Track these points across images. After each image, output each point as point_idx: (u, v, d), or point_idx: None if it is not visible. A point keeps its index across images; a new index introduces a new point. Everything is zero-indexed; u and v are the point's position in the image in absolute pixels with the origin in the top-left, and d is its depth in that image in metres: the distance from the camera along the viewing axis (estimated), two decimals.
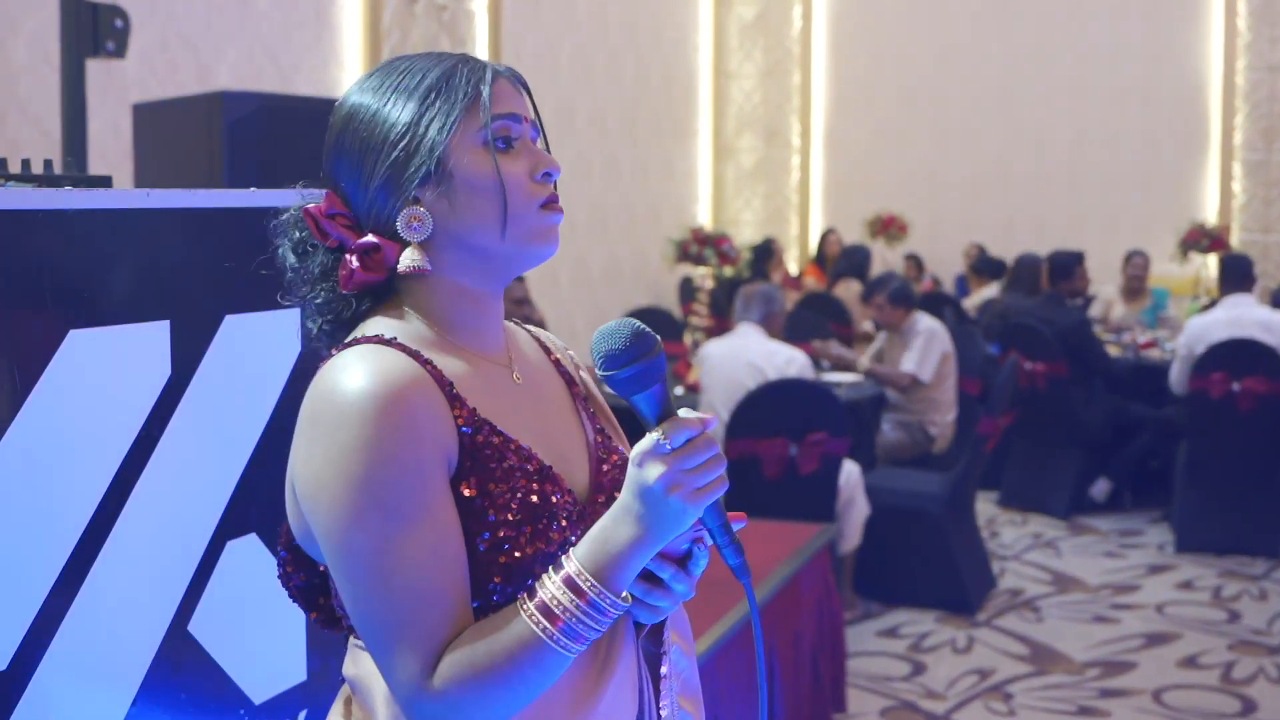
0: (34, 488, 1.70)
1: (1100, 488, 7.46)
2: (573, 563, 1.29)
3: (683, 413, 1.30)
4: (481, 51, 8.86)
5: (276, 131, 3.96)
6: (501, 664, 1.27)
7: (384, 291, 1.45)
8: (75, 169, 2.99)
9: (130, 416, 1.83)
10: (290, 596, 1.50)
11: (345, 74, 7.61)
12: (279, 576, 1.49)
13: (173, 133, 4.09)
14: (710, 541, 1.39)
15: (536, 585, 1.30)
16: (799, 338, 6.74)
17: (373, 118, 1.41)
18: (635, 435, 1.36)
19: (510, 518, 1.33)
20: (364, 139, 1.41)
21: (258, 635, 2.09)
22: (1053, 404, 7.29)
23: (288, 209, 1.46)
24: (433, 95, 1.39)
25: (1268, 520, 6.56)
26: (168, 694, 1.91)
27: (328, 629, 1.50)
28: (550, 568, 1.31)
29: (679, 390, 6.32)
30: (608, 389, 1.36)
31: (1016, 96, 12.51)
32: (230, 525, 2.00)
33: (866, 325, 9.39)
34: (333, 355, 1.37)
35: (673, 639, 1.53)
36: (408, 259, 1.39)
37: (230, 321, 1.98)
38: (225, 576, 1.99)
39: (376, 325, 1.41)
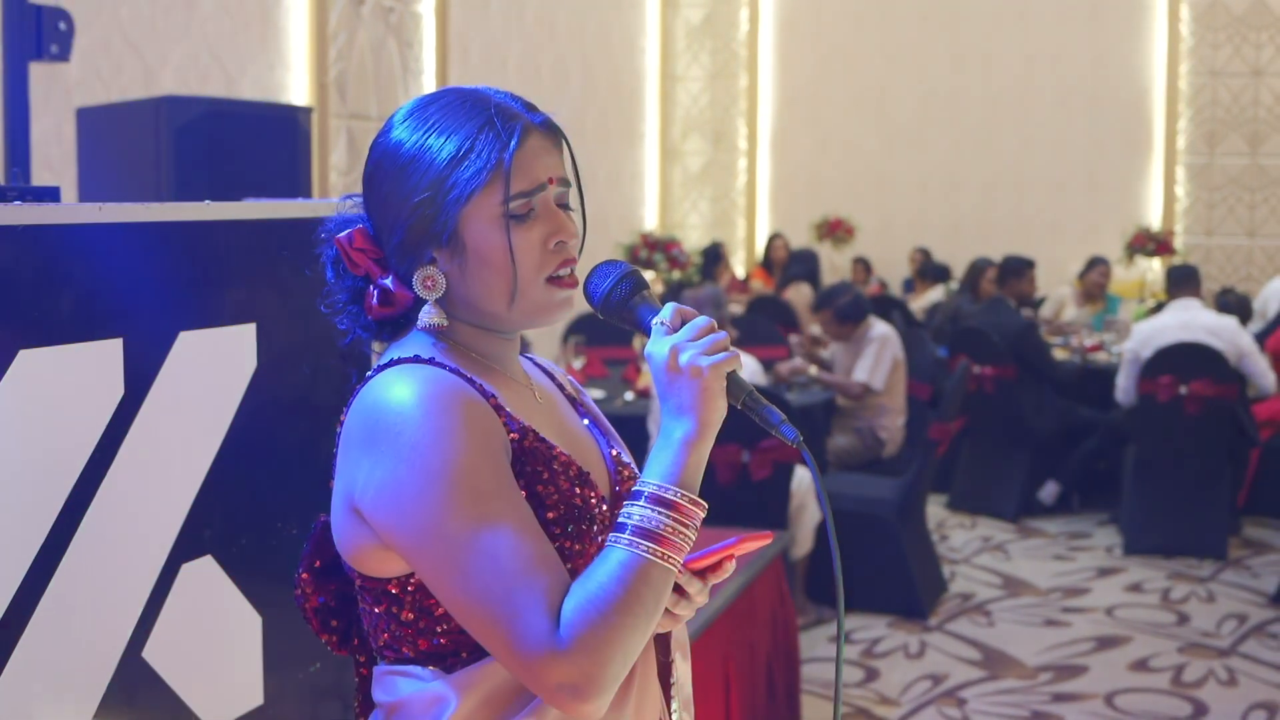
0: None
1: (1048, 490, 7.50)
2: (649, 485, 1.35)
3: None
4: (428, 54, 8.78)
5: (222, 136, 3.92)
6: (622, 595, 1.30)
7: (413, 317, 1.48)
8: (21, 179, 2.92)
9: (82, 437, 1.78)
10: (305, 618, 1.54)
11: (291, 76, 7.52)
12: (295, 596, 1.54)
13: (117, 138, 4.02)
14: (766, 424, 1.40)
15: (622, 519, 1.34)
16: (747, 342, 6.73)
17: (403, 169, 1.42)
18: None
19: (555, 516, 1.39)
20: (392, 188, 1.43)
21: (213, 660, 2.05)
22: (1001, 407, 7.32)
23: (330, 218, 1.49)
24: (461, 154, 1.40)
25: (1214, 522, 6.63)
26: None
27: (339, 652, 1.55)
28: (626, 502, 1.35)
29: (628, 395, 6.30)
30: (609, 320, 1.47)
31: (963, 100, 12.59)
32: (185, 548, 1.95)
33: (815, 329, 9.41)
34: (370, 378, 1.41)
35: (675, 648, 1.59)
36: (426, 317, 1.45)
37: (185, 338, 1.93)
38: (180, 600, 1.93)
39: (411, 346, 1.45)
